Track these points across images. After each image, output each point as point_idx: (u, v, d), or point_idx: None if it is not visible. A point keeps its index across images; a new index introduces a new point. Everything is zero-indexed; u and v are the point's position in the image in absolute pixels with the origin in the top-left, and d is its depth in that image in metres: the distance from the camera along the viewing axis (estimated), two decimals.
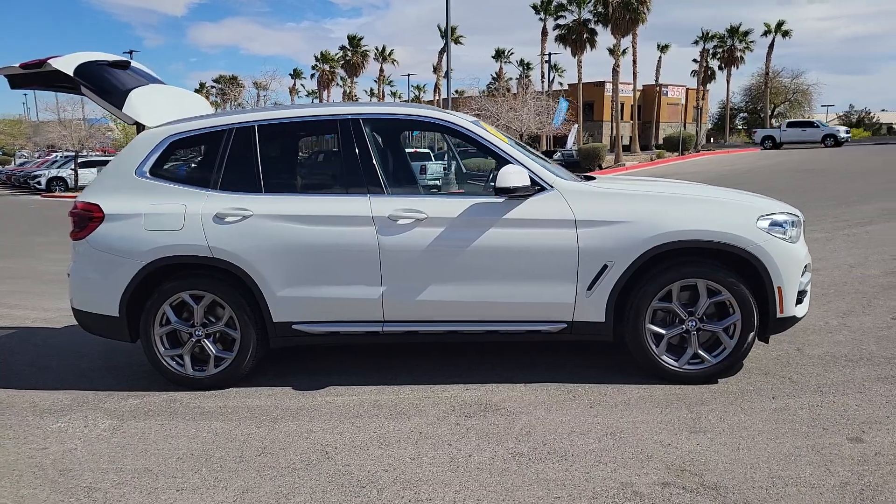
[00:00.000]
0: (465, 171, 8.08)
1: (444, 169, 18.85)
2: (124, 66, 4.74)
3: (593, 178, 4.50)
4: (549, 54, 44.99)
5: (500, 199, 4.05)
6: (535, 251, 3.99)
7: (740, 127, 71.46)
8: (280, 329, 4.20)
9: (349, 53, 63.55)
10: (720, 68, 60.90)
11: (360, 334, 4.19)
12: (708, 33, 59.12)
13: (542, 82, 49.62)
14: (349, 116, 4.27)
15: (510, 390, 4.05)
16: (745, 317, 3.94)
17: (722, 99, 66.89)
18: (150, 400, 4.15)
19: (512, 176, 3.92)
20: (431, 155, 23.09)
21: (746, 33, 57.42)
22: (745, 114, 70.50)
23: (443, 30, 57.82)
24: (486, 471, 3.08)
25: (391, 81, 78.17)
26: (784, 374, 4.15)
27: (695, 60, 61.86)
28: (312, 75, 68.14)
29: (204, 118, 4.47)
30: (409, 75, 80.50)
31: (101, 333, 4.50)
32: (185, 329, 4.26)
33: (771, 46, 54.45)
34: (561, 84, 56.83)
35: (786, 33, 52.86)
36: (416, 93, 77.14)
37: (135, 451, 3.45)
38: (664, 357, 4.04)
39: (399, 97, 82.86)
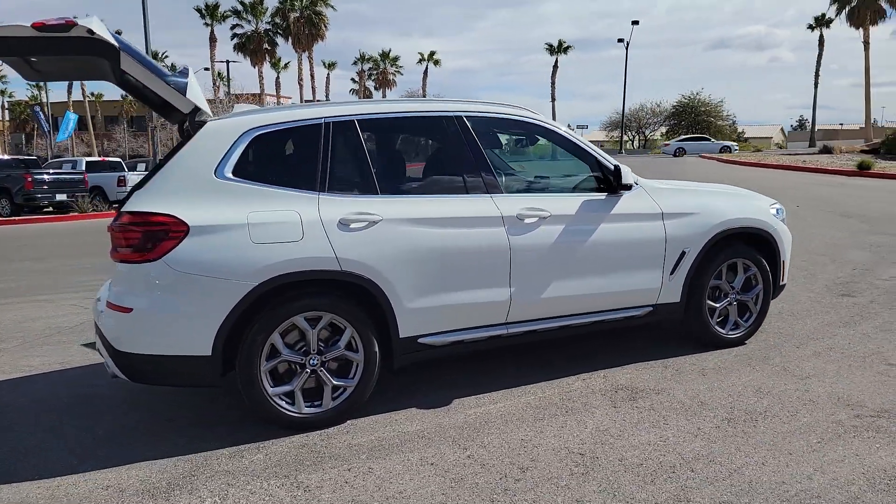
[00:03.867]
0: None
1: None
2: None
3: None
4: (228, 62, 43.25)
5: (603, 196, 4.33)
6: (636, 242, 4.37)
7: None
8: (405, 345, 3.80)
9: None
10: (376, 88, 65.80)
11: (484, 340, 4.04)
12: (364, 55, 63.42)
13: (213, 90, 47.36)
14: (452, 113, 4.08)
15: (621, 374, 4.35)
16: (765, 286, 4.90)
17: None
18: (274, 450, 3.38)
19: (629, 175, 4.25)
20: None
21: (396, 59, 63.19)
22: None
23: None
24: (738, 435, 3.39)
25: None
26: (771, 330, 5.24)
27: (353, 80, 65.75)
28: None
29: (282, 109, 3.80)
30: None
31: (176, 381, 3.49)
32: (297, 359, 3.57)
33: (426, 73, 60.91)
34: (227, 94, 54.91)
35: (437, 62, 59.72)
36: (36, 91, 66.16)
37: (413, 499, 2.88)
38: (716, 327, 4.79)
39: (12, 95, 70.46)
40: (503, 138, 5.20)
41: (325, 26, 42.35)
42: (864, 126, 50.25)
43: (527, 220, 4.03)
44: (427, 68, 60.20)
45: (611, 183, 4.35)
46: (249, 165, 3.57)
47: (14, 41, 3.20)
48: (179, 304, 3.33)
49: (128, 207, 3.37)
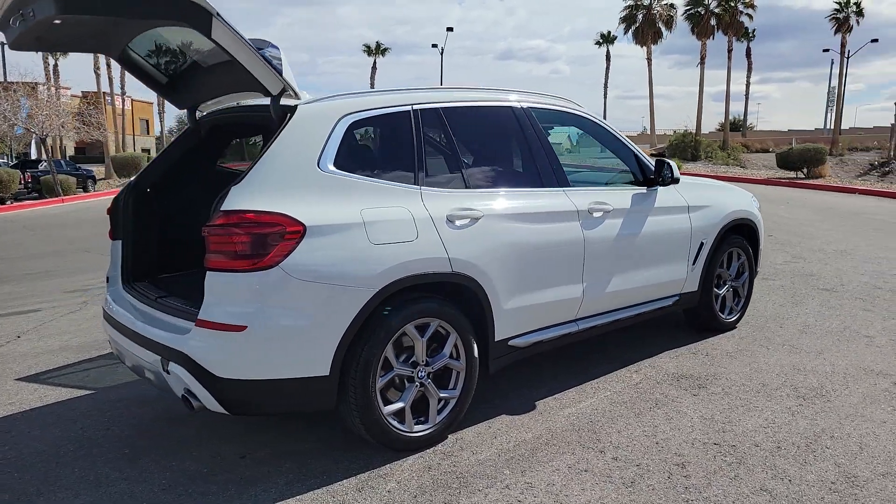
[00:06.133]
0: None
1: None
2: None
3: None
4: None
5: (645, 190, 4.41)
6: (673, 234, 4.51)
7: None
8: (498, 349, 3.57)
9: None
10: None
11: (557, 338, 3.91)
12: (161, 47, 58.65)
13: None
14: (518, 104, 3.90)
15: (663, 363, 4.44)
16: (751, 273, 5.33)
17: (179, 114, 67.20)
18: (402, 477, 2.98)
19: (676, 169, 4.37)
20: None
21: None
22: None
23: None
24: (825, 410, 3.62)
25: None
26: (750, 312, 5.68)
27: None
28: None
29: (370, 94, 3.36)
30: None
31: (289, 408, 2.96)
32: (407, 372, 3.19)
33: None
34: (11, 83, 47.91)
35: None
36: None
37: None
38: (719, 312, 5.10)
39: None
40: None
41: None
42: (647, 132, 56.71)
43: (595, 215, 3.97)
44: None
45: (648, 177, 4.44)
46: (349, 156, 3.11)
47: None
48: (299, 318, 2.80)
49: (228, 206, 2.77)
